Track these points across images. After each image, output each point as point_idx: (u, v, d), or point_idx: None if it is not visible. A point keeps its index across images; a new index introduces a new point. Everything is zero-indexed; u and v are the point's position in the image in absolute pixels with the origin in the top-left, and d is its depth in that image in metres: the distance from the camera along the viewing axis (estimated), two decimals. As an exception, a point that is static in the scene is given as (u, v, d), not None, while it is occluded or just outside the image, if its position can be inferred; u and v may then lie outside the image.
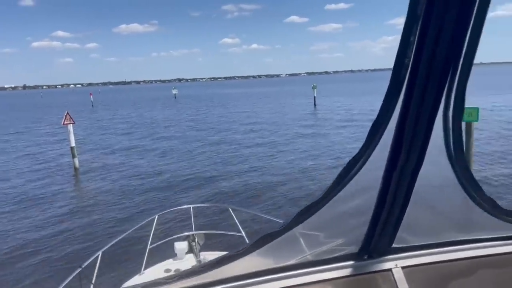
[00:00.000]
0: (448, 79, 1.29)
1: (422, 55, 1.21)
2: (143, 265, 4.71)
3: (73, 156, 18.53)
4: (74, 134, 18.83)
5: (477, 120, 11.61)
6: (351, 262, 1.89)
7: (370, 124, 1.48)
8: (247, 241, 2.79)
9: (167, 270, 2.89)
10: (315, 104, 45.34)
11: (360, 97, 58.66)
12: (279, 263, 1.86)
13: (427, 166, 1.54)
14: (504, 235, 2.01)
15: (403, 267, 1.90)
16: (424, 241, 1.96)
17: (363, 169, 1.63)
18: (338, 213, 1.85)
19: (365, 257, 1.91)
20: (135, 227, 5.77)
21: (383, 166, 1.57)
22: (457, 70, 1.29)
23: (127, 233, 5.73)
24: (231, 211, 5.64)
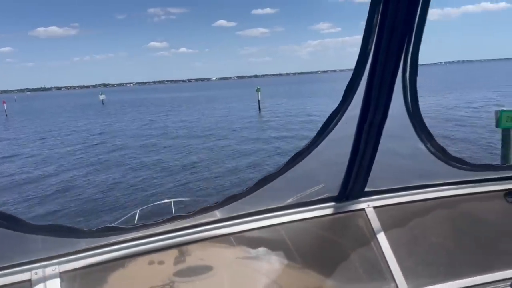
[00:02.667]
0: (404, 48, 1.63)
1: (383, 31, 1.54)
2: None
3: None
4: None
5: (520, 125, 9.36)
6: (331, 204, 2.26)
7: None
8: None
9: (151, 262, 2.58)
10: (259, 108, 43.34)
11: (305, 99, 57.98)
12: (270, 205, 2.19)
13: (391, 118, 1.85)
14: (453, 180, 2.43)
15: (374, 207, 2.29)
16: (390, 185, 2.36)
17: (339, 123, 1.92)
18: (320, 162, 2.21)
19: (344, 200, 2.27)
20: (117, 222, 5.79)
21: (356, 120, 1.88)
22: (411, 42, 1.64)
23: None
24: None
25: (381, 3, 1.50)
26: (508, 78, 74.62)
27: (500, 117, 9.50)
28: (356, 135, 1.96)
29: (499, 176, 2.52)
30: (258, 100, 44.17)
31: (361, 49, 1.65)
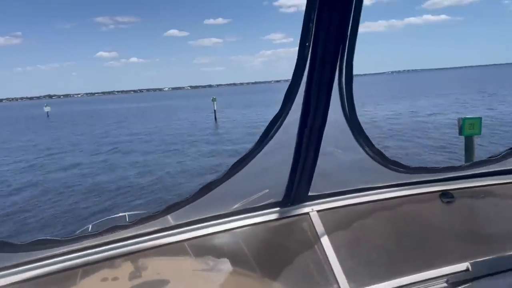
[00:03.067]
0: (339, 55, 1.67)
1: (319, 39, 1.57)
2: None
3: None
4: None
5: (479, 133, 9.55)
6: (276, 209, 2.29)
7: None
8: None
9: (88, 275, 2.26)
10: (215, 118, 42.02)
11: (260, 107, 57.20)
12: (215, 212, 2.18)
13: (330, 125, 1.91)
14: (392, 183, 2.51)
15: (318, 211, 2.33)
16: (333, 189, 2.41)
17: (280, 129, 1.93)
18: (263, 168, 2.21)
19: (288, 204, 2.30)
20: None
21: (297, 126, 1.91)
22: (345, 49, 1.67)
23: None
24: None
25: (316, 12, 1.51)
26: (447, 86, 78.67)
27: (462, 125, 9.67)
28: (298, 140, 2.00)
29: (434, 178, 2.62)
30: (214, 110, 42.65)
31: (298, 57, 1.67)
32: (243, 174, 2.06)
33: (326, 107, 1.83)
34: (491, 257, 2.36)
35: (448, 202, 2.56)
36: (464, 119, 9.74)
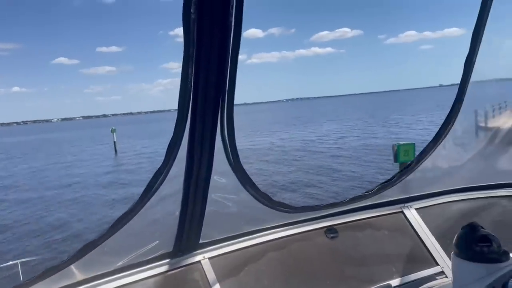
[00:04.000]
0: (220, 108, 1.72)
1: (198, 92, 1.62)
2: None
3: None
4: None
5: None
6: (166, 260, 2.22)
7: None
8: None
9: None
10: (115, 150, 39.76)
11: (161, 138, 55.43)
12: (100, 271, 2.04)
13: (216, 173, 1.97)
14: (280, 223, 2.59)
15: (209, 258, 2.31)
16: (225, 234, 2.42)
17: (165, 181, 1.93)
18: (150, 220, 2.18)
19: (179, 254, 2.26)
20: None
21: (182, 176, 1.94)
22: (224, 101, 1.72)
23: None
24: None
25: (193, 63, 1.54)
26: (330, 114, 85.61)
27: (397, 151, 9.62)
28: (184, 190, 2.01)
29: (319, 215, 2.73)
30: (114, 142, 40.33)
31: (178, 110, 1.68)
32: (129, 228, 2.00)
33: (210, 158, 1.90)
34: (374, 286, 2.48)
35: (332, 237, 2.68)
36: (399, 146, 9.71)
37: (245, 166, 2.13)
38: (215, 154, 1.89)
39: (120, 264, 2.12)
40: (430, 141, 2.95)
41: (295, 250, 2.59)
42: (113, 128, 41.46)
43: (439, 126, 2.93)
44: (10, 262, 5.97)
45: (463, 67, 2.72)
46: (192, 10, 1.39)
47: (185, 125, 1.73)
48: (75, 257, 1.93)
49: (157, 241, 2.25)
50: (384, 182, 2.90)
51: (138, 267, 2.13)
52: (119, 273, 2.08)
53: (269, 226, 2.57)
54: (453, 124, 2.88)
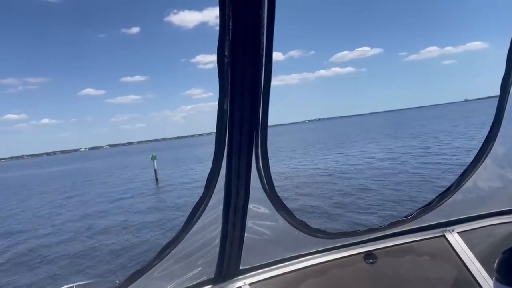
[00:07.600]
0: (254, 139, 1.75)
1: (233, 126, 1.65)
2: None
3: None
4: None
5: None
6: (209, 286, 2.28)
7: None
8: None
9: None
10: (156, 179, 34.55)
11: (194, 164, 50.18)
12: None
13: (252, 201, 2.02)
14: (317, 249, 2.59)
15: (250, 284, 2.35)
16: (264, 261, 2.46)
17: (206, 210, 1.99)
18: (193, 248, 2.20)
19: (221, 280, 2.31)
20: None
21: (221, 205, 1.99)
22: (258, 134, 1.74)
23: None
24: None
25: (228, 103, 1.59)
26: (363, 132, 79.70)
27: None
28: (223, 218, 2.04)
29: (357, 240, 2.69)
30: (155, 170, 34.99)
31: (216, 146, 1.76)
32: (173, 256, 2.08)
33: (247, 188, 1.93)
34: None
35: (372, 263, 2.63)
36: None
37: (280, 194, 2.14)
38: (251, 183, 1.94)
39: None
40: (470, 162, 2.86)
41: (334, 276, 2.57)
42: (153, 154, 35.89)
43: (479, 148, 2.82)
44: (66, 286, 5.42)
45: (500, 86, 2.60)
46: (226, 53, 1.45)
47: (223, 157, 1.79)
48: (125, 284, 2.01)
49: (200, 268, 2.29)
50: (424, 206, 2.84)
51: None
52: None
53: (308, 252, 2.58)
54: (493, 144, 2.78)
